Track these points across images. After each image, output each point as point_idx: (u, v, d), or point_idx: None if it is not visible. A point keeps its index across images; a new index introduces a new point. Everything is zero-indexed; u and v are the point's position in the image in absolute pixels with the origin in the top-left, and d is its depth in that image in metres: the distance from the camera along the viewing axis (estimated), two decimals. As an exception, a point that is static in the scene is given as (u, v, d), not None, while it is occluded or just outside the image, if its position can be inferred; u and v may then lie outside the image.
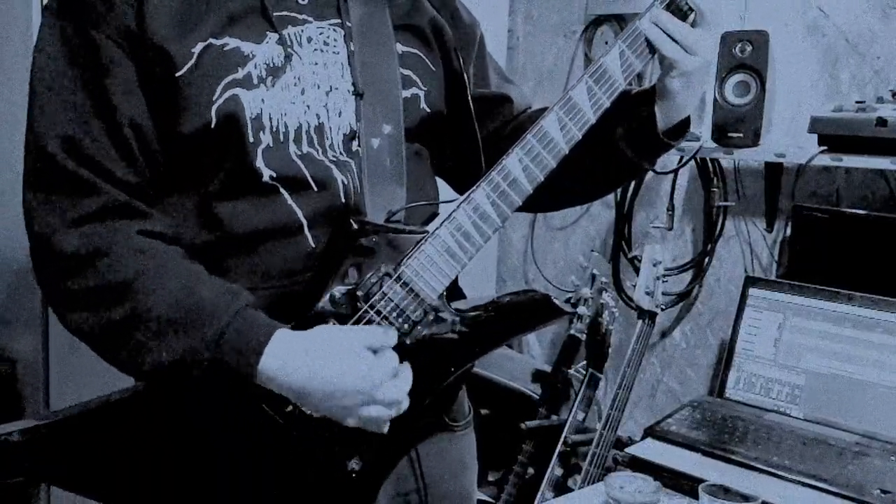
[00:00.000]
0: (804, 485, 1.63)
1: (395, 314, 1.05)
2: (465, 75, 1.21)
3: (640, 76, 2.40)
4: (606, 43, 2.68)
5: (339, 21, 1.11)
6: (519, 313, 1.11)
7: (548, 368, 2.48)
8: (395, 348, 1.05)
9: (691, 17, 1.13)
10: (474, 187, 1.09)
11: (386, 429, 1.04)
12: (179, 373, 0.99)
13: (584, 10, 2.70)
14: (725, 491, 1.27)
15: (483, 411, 2.46)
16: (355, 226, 1.04)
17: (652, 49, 1.13)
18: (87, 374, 2.04)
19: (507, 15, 2.89)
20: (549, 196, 1.22)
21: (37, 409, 2.05)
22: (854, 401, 1.90)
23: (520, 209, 1.15)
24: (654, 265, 2.17)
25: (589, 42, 2.71)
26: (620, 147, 1.20)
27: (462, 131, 1.22)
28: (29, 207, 1.02)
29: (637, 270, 2.31)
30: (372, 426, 1.03)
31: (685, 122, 1.20)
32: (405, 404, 1.04)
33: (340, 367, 1.00)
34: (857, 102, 2.00)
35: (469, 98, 1.20)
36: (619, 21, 2.63)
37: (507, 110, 1.31)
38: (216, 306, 0.99)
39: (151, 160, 1.04)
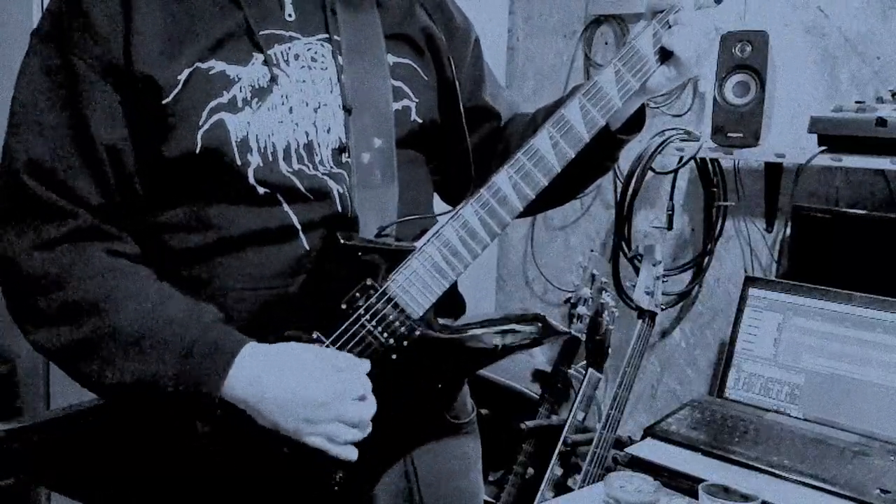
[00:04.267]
0: (804, 485, 1.64)
1: (379, 329, 1.05)
2: (457, 84, 1.20)
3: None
4: (606, 43, 2.68)
5: (326, 36, 1.11)
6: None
7: (548, 368, 2.48)
8: (382, 363, 1.04)
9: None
10: (463, 203, 1.08)
11: (352, 455, 1.03)
12: (143, 390, 0.99)
13: (584, 11, 2.70)
14: (725, 491, 1.27)
15: (483, 411, 2.45)
16: (342, 241, 1.04)
17: (648, 67, 1.13)
18: (88, 374, 2.03)
19: (507, 15, 2.89)
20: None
21: (37, 409, 2.05)
22: (854, 401, 1.90)
23: None
24: (654, 265, 2.18)
25: (589, 42, 2.71)
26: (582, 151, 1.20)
27: (452, 140, 1.22)
28: None
29: (637, 270, 2.31)
30: (335, 449, 1.02)
31: (640, 115, 1.20)
32: (367, 429, 1.03)
33: (305, 378, 1.00)
34: (857, 102, 2.00)
35: (461, 107, 1.19)
36: (619, 21, 2.63)
37: (496, 122, 1.30)
38: (183, 322, 0.99)
39: (128, 186, 1.04)
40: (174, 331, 0.99)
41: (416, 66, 1.18)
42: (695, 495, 1.31)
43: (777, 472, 1.67)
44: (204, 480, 1.04)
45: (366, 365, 1.03)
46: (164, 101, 1.00)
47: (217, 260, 1.05)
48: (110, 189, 1.02)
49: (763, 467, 1.69)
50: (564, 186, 1.28)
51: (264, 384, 0.99)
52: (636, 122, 1.20)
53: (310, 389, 1.00)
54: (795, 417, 1.96)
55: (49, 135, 1.00)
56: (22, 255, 1.00)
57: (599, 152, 1.20)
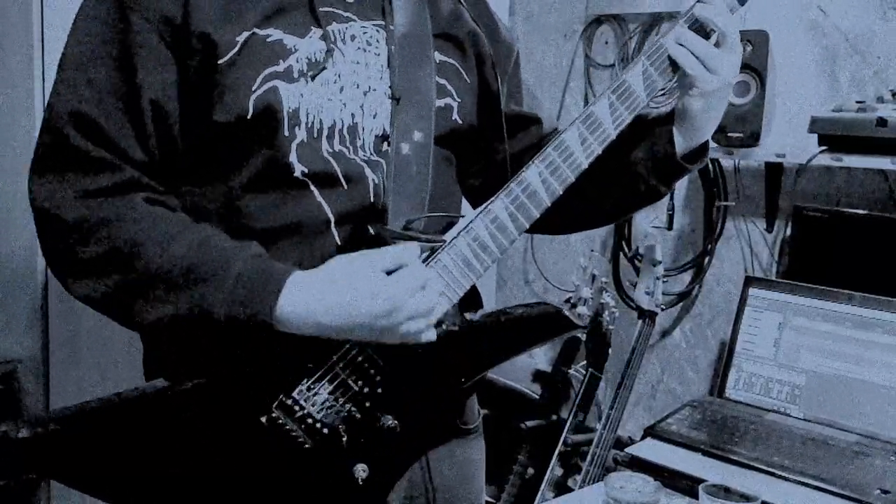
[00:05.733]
0: (804, 485, 1.64)
1: None
2: (500, 89, 1.21)
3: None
4: (606, 43, 2.68)
5: (382, 22, 1.11)
6: (530, 325, 1.11)
7: (548, 368, 2.48)
8: (408, 359, 1.04)
9: (713, 38, 1.16)
10: (493, 198, 1.09)
11: (431, 336, 1.03)
12: (194, 322, 0.98)
13: (584, 10, 2.70)
14: (725, 491, 1.27)
15: (483, 411, 2.46)
16: (372, 232, 1.04)
17: (675, 67, 1.14)
18: (88, 373, 2.04)
19: (508, 15, 2.89)
20: (569, 218, 1.22)
21: (37, 409, 2.05)
22: (854, 401, 1.90)
23: (540, 231, 1.13)
24: (654, 265, 2.17)
25: (589, 42, 2.71)
26: (639, 171, 1.21)
27: (491, 145, 1.23)
28: (35, 186, 1.01)
29: (637, 270, 2.31)
30: (412, 340, 1.01)
31: (703, 147, 1.22)
32: (439, 309, 1.03)
33: (355, 295, 0.98)
34: (857, 102, 2.00)
35: (502, 112, 1.20)
36: (619, 21, 2.63)
37: (536, 131, 1.31)
38: (230, 256, 0.99)
39: (169, 145, 1.03)
40: (223, 262, 0.98)
41: (460, 67, 1.19)
42: (695, 495, 1.31)
43: (777, 472, 1.67)
44: (224, 474, 1.03)
45: (414, 249, 1.02)
46: (219, 61, 1.00)
47: None
48: (153, 146, 1.02)
49: (763, 467, 1.69)
50: (615, 207, 1.30)
51: (317, 311, 0.98)
52: (699, 153, 1.21)
53: (368, 306, 0.98)
54: (796, 417, 1.96)
55: (96, 88, 1.00)
56: (63, 205, 0.99)
57: (658, 177, 1.21)
